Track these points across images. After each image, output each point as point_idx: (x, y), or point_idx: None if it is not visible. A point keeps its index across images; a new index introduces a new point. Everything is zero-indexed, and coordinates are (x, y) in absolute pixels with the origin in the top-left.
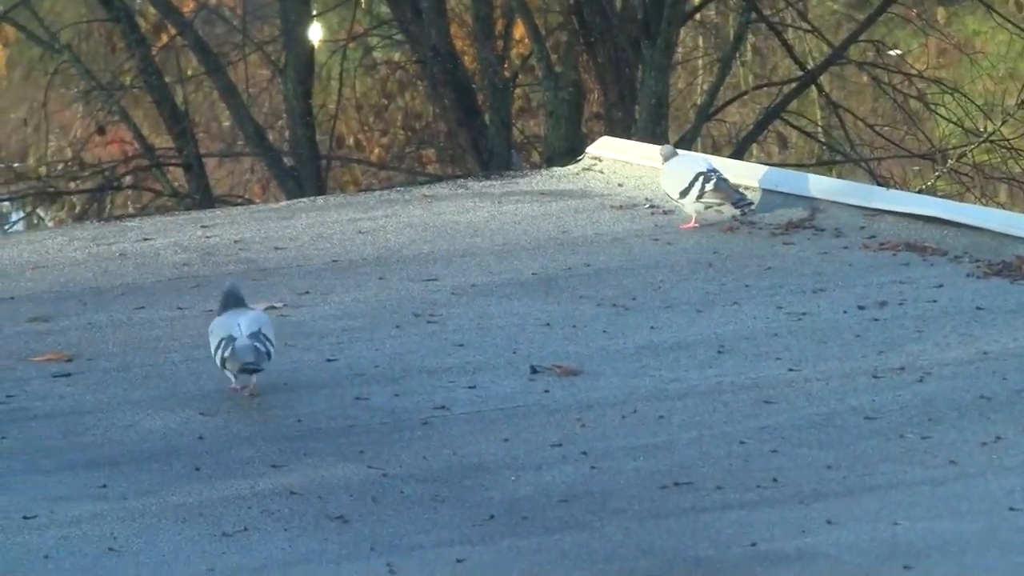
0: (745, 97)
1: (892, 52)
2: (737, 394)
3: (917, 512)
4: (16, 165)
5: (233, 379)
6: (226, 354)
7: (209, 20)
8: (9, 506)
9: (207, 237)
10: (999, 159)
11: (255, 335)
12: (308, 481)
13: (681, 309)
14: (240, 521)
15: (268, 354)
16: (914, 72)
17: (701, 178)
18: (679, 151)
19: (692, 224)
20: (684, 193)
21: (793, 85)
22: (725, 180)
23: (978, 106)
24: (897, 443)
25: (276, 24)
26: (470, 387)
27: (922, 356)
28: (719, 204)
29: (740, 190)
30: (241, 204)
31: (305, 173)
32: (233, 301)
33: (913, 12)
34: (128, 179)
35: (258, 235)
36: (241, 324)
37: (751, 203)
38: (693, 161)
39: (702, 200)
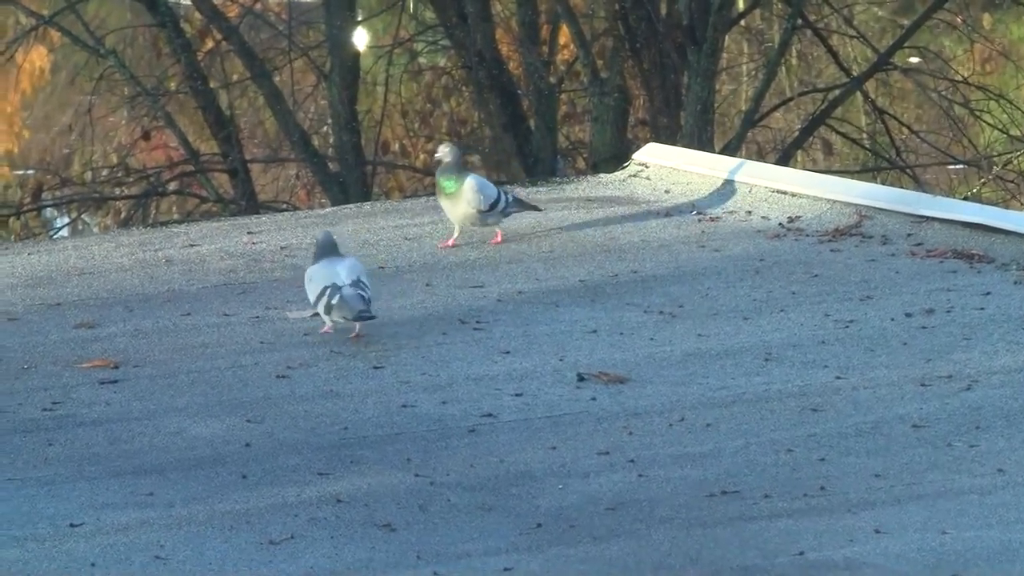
0: (790, 103)
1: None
2: (784, 402)
3: (965, 521)
4: (60, 171)
5: (329, 323)
6: (333, 302)
7: (254, 25)
8: (56, 514)
9: (253, 243)
10: None
11: (356, 283)
12: (355, 489)
13: (728, 316)
14: (287, 529)
15: (370, 301)
16: (959, 78)
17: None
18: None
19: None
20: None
21: (838, 91)
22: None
23: None
24: (945, 451)
25: (321, 29)
26: (517, 395)
27: (969, 364)
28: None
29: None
30: (286, 210)
31: (350, 179)
32: (328, 249)
33: (958, 18)
34: (173, 185)
35: (304, 241)
36: (341, 272)
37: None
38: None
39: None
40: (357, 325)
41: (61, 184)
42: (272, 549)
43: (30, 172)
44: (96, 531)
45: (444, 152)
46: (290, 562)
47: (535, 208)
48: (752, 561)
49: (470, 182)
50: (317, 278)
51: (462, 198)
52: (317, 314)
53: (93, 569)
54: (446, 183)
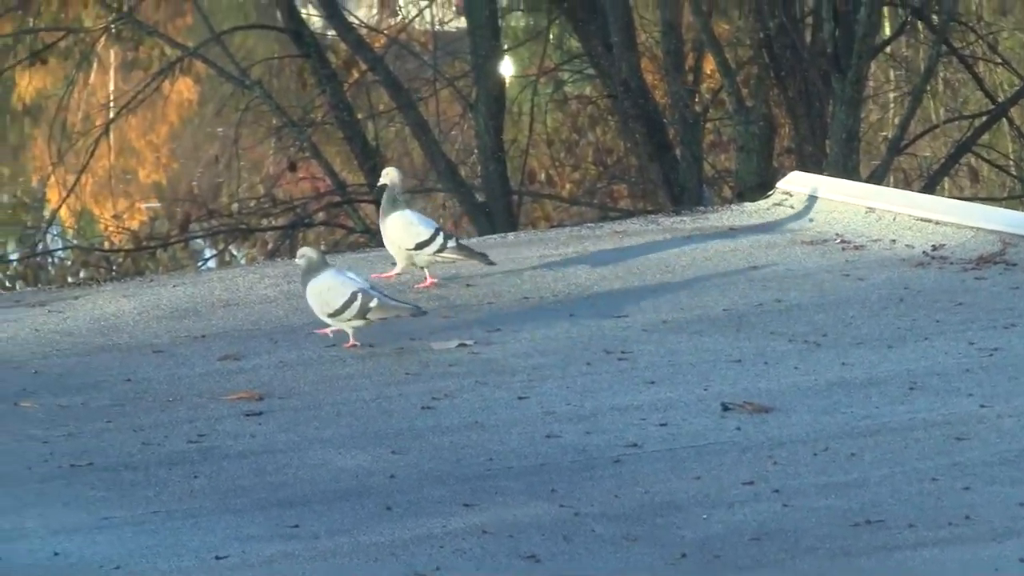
0: (936, 130)
1: None
2: (929, 431)
3: None
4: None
5: (351, 333)
6: (371, 304)
7: (400, 56)
8: (201, 546)
9: (398, 274)
10: None
11: (373, 287)
12: (500, 520)
13: (872, 345)
14: (432, 560)
15: None
16: None
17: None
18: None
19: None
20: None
21: (984, 118)
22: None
23: None
24: None
25: (467, 59)
26: (662, 424)
27: None
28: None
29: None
30: None
31: (496, 209)
32: (324, 262)
33: None
34: (320, 216)
35: (449, 271)
36: (355, 278)
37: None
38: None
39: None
40: (351, 333)
41: (208, 216)
42: None
43: (178, 204)
44: (241, 563)
45: (391, 178)
46: None
47: (484, 258)
48: None
49: (394, 217)
50: (336, 286)
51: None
52: (463, 344)
53: None
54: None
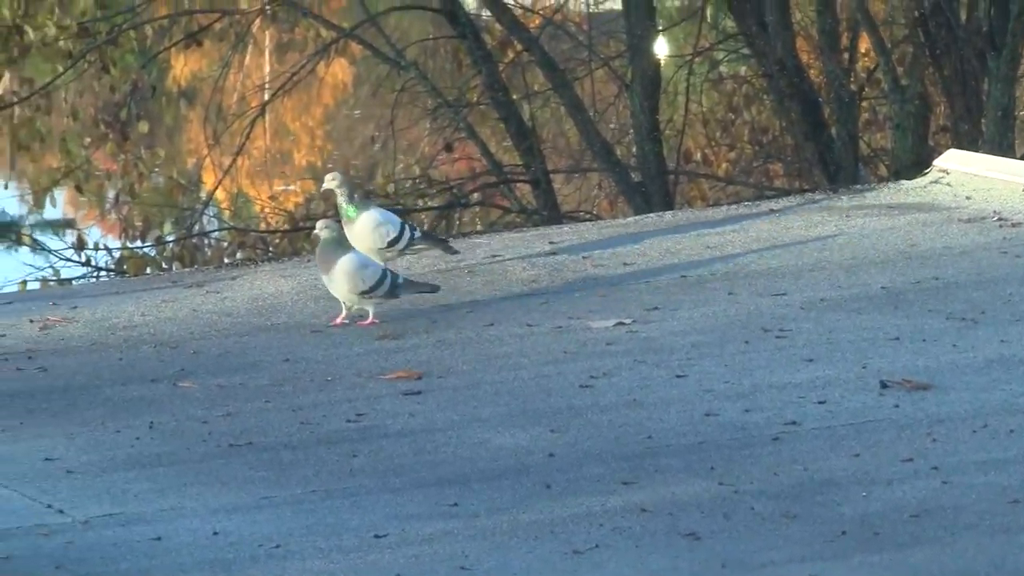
0: None
1: None
2: None
3: None
4: (363, 184)
5: (373, 312)
6: (400, 281)
7: (555, 36)
8: (360, 525)
9: (555, 253)
10: None
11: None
12: (659, 498)
13: None
14: (591, 539)
15: None
16: None
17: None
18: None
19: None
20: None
21: None
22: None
23: None
24: None
25: (622, 39)
26: (820, 402)
27: None
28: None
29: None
30: (589, 220)
31: (652, 188)
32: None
33: None
34: (476, 196)
35: (606, 251)
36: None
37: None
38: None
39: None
40: (372, 312)
41: (365, 196)
42: (577, 559)
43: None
44: (401, 542)
45: (335, 183)
46: (594, 571)
47: (447, 248)
48: None
49: (363, 219)
50: (369, 264)
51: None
52: (621, 323)
53: None
54: (348, 210)
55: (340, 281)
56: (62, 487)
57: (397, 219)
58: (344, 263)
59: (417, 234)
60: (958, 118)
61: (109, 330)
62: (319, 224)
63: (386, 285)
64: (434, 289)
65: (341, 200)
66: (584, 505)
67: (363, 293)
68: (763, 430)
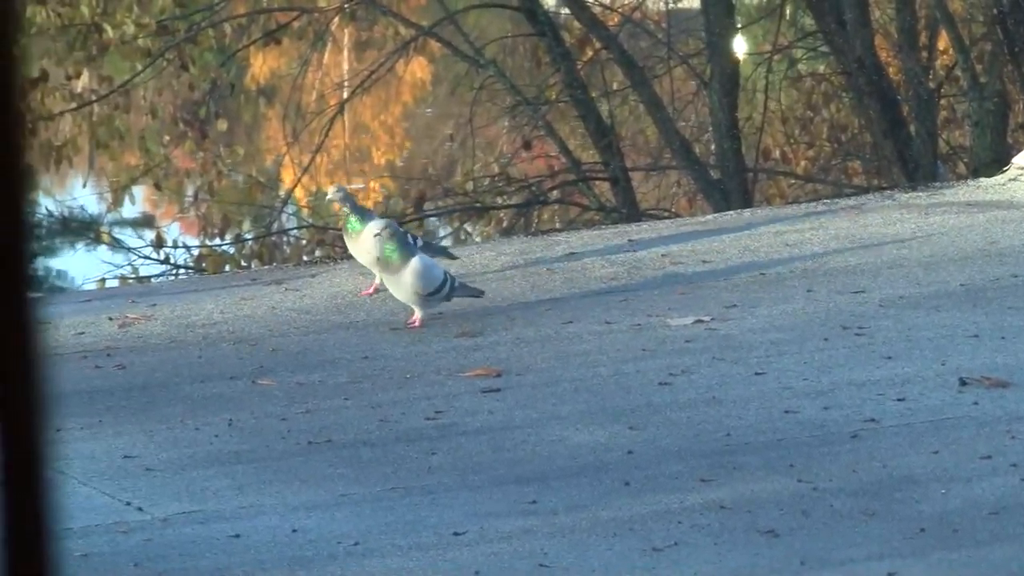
0: None
1: None
2: None
3: None
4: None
5: (423, 315)
6: (456, 284)
7: (634, 34)
8: (440, 522)
9: (633, 251)
10: None
11: None
12: (737, 495)
13: None
14: (670, 536)
15: None
16: None
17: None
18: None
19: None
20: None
21: None
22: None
23: None
24: None
25: (701, 37)
26: (899, 399)
27: None
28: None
29: None
30: (667, 218)
31: (731, 186)
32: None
33: None
34: (555, 194)
35: (685, 248)
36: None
37: None
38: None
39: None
40: (422, 315)
41: (443, 194)
42: (655, 556)
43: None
44: (480, 539)
45: (337, 196)
46: (673, 568)
47: (477, 293)
48: None
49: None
50: (435, 270)
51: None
52: (700, 320)
53: None
54: (353, 222)
55: (408, 283)
56: (141, 485)
57: (400, 229)
58: (414, 264)
59: (419, 243)
60: None
61: (188, 327)
62: (376, 226)
63: (446, 288)
64: (480, 293)
65: (345, 212)
66: (663, 502)
67: (428, 295)
68: (842, 427)
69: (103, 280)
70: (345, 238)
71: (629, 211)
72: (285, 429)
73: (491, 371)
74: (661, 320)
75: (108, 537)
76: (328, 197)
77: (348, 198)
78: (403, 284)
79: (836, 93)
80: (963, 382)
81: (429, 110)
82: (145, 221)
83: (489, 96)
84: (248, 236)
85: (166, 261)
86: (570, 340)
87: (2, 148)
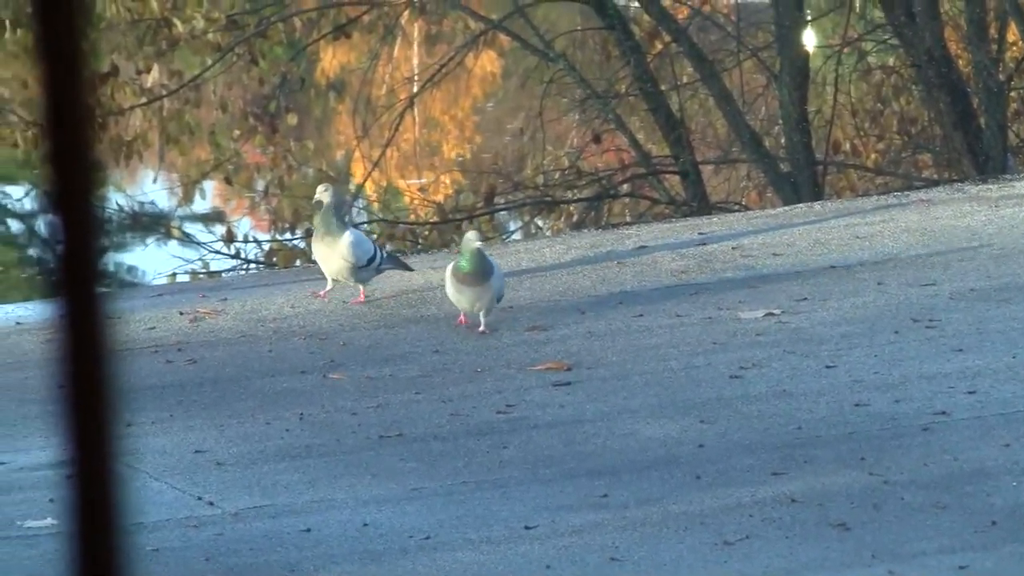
0: None
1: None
2: None
3: None
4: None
5: (364, 288)
6: (386, 253)
7: (704, 27)
8: (511, 516)
9: (704, 244)
10: None
11: None
12: (809, 488)
13: None
14: (741, 529)
15: None
16: None
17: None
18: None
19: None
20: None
21: None
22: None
23: None
24: None
25: (770, 30)
26: (970, 392)
27: None
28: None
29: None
30: (738, 211)
31: (801, 179)
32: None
33: None
34: (625, 187)
35: (755, 241)
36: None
37: None
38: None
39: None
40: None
41: (513, 188)
42: (727, 549)
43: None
44: (551, 533)
45: (326, 195)
46: (744, 562)
47: (407, 268)
48: None
49: (347, 236)
50: (364, 239)
51: (336, 251)
52: (771, 313)
53: (548, 571)
54: (324, 229)
55: (494, 288)
56: (212, 479)
57: (370, 242)
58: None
59: (385, 255)
60: None
61: (259, 322)
62: (470, 235)
63: (377, 260)
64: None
65: (326, 216)
66: (734, 496)
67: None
68: (913, 420)
69: (174, 275)
70: (314, 240)
71: (699, 204)
72: (356, 423)
73: (562, 365)
74: (732, 313)
75: (179, 532)
76: (316, 196)
77: (337, 198)
78: (488, 291)
79: (906, 86)
80: None
81: (490, 104)
82: (215, 216)
83: (559, 90)
84: None
85: (236, 256)
86: (640, 333)
87: (73, 143)
